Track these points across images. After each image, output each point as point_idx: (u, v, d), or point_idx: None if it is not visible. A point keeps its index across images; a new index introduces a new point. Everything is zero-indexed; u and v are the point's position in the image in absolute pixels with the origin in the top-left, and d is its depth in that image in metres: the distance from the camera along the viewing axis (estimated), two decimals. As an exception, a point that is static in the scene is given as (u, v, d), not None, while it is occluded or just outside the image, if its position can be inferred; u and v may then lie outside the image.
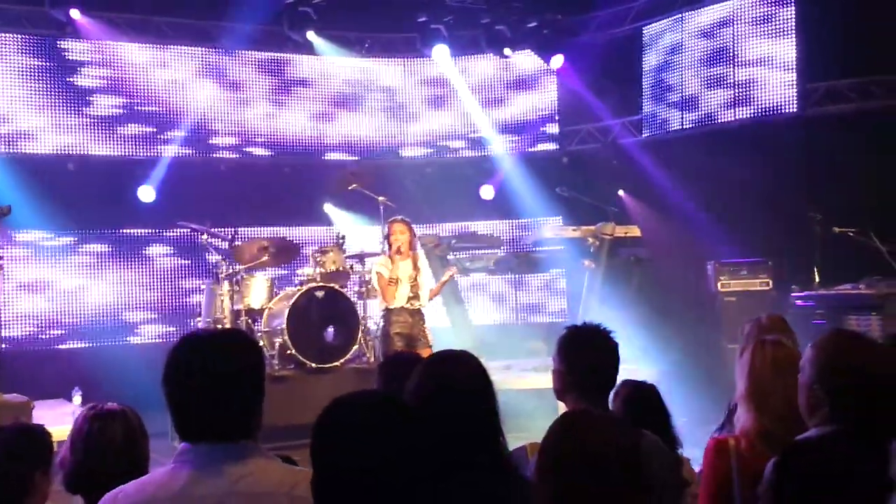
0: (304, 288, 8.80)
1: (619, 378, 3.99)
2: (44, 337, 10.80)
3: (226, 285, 8.96)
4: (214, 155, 11.80)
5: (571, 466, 2.08)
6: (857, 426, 2.60)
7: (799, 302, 9.02)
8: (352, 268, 9.45)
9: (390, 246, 8.32)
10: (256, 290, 9.13)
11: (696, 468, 3.54)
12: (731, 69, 10.84)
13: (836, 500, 2.43)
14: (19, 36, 10.71)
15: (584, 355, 3.25)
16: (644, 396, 3.89)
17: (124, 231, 11.37)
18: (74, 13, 10.49)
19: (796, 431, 2.80)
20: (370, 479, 1.88)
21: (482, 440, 2.64)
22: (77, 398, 7.87)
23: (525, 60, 12.68)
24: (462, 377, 2.72)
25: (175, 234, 11.32)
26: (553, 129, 12.77)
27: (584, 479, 2.08)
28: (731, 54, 10.83)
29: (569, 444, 2.13)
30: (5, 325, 10.30)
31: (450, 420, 2.59)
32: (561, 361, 3.27)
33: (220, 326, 8.76)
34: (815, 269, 9.02)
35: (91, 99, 11.06)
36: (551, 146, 12.78)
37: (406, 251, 8.32)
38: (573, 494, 2.10)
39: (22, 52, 10.73)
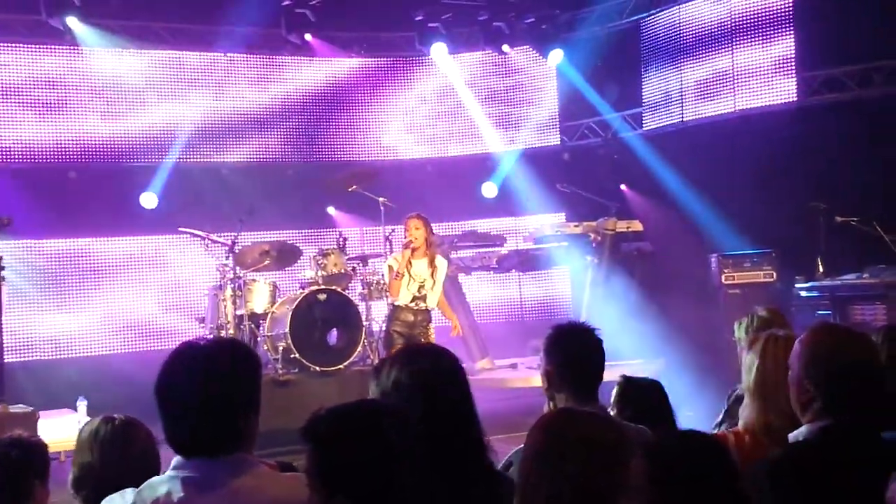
0: (307, 291, 8.76)
1: (624, 374, 3.99)
2: (48, 347, 10.77)
3: (228, 290, 8.94)
4: (215, 160, 11.79)
5: (553, 463, 2.07)
6: (851, 417, 2.60)
7: (803, 293, 9.01)
8: (353, 269, 9.41)
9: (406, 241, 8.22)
10: (259, 295, 9.12)
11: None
12: (730, 60, 10.81)
13: (834, 500, 2.42)
14: (16, 45, 10.71)
15: (570, 353, 3.28)
16: (646, 393, 3.87)
17: (127, 238, 11.36)
18: (71, 21, 10.43)
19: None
20: (353, 481, 1.90)
21: (455, 429, 2.57)
22: (82, 407, 7.86)
23: (523, 56, 12.66)
24: (434, 367, 2.64)
25: (178, 240, 11.30)
26: (553, 124, 12.75)
27: (566, 476, 2.07)
28: (730, 45, 10.80)
29: (551, 440, 2.12)
30: (9, 336, 10.29)
31: (421, 407, 2.53)
32: (548, 361, 3.30)
33: (223, 332, 8.77)
34: (819, 260, 9.00)
35: (91, 107, 11.06)
36: (552, 141, 12.75)
37: (422, 248, 8.22)
38: (557, 491, 2.08)
39: (19, 61, 10.73)
